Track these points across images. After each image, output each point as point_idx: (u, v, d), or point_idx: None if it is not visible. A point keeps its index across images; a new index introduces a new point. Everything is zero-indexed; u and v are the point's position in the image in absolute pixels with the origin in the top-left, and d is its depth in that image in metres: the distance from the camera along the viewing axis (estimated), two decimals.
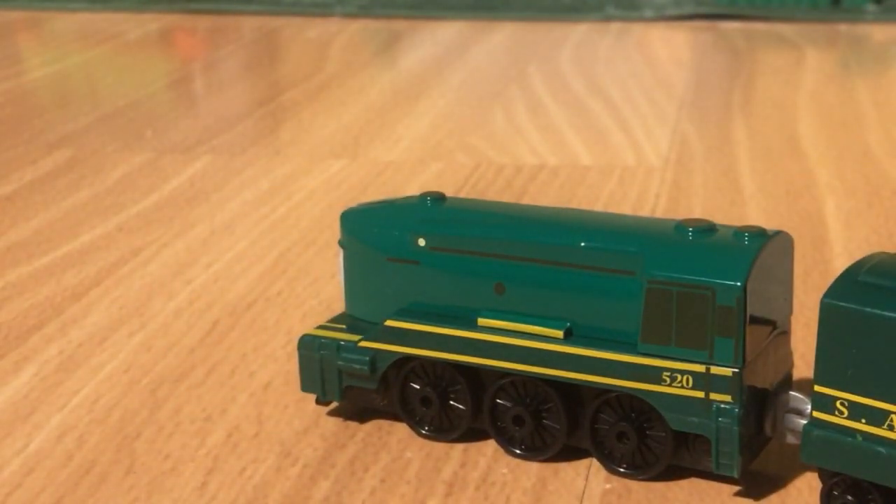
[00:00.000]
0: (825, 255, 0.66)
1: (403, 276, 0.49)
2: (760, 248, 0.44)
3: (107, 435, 0.50)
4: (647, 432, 0.45)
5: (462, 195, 0.74)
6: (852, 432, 0.41)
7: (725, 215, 0.71)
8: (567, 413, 0.46)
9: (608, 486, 0.46)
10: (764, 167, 0.81)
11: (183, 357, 0.56)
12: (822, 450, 0.42)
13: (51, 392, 0.54)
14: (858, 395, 0.41)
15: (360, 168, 0.83)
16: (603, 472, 0.46)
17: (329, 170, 0.83)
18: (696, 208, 0.73)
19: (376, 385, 0.49)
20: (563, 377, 0.46)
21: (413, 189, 0.76)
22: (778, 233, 0.46)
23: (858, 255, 0.65)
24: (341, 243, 0.51)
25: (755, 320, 0.44)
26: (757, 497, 0.45)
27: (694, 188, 0.77)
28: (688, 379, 0.44)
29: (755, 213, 0.72)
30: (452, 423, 0.49)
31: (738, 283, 0.42)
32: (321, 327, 0.51)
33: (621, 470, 0.46)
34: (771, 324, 0.46)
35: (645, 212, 0.73)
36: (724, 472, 0.44)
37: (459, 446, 0.48)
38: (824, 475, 0.43)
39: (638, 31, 1.26)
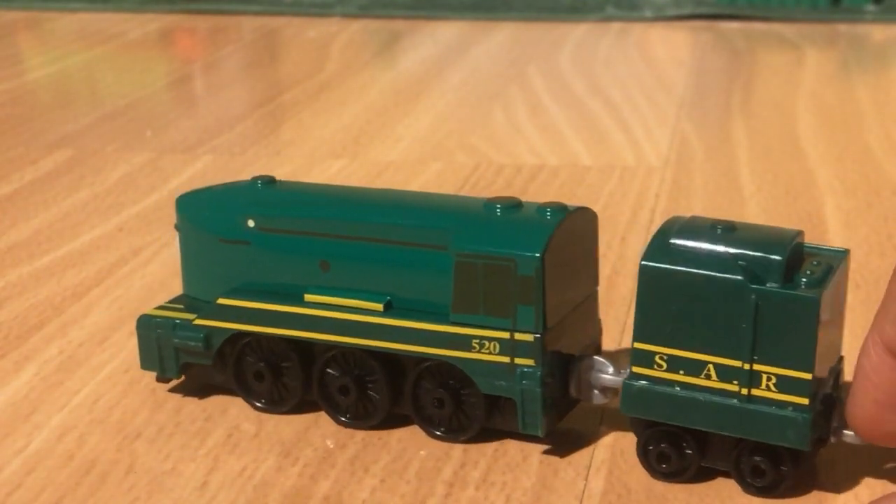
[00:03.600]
0: None
1: (235, 256, 0.51)
2: (559, 222, 0.46)
3: (107, 435, 0.50)
4: (462, 397, 0.48)
5: (462, 195, 0.74)
6: (671, 383, 0.44)
7: (725, 215, 0.70)
8: (389, 382, 0.49)
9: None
10: (764, 167, 0.81)
11: None
12: (643, 401, 0.45)
13: (51, 392, 0.54)
14: (677, 348, 0.44)
15: (360, 168, 0.83)
16: (603, 472, 0.46)
17: (329, 170, 0.83)
18: (696, 208, 0.73)
19: (212, 361, 0.51)
20: (383, 347, 0.48)
21: (413, 189, 0.76)
22: (580, 208, 0.48)
23: (858, 255, 0.66)
24: (177, 227, 0.53)
25: (556, 289, 0.46)
26: (757, 498, 0.45)
27: (694, 188, 0.77)
28: (495, 345, 0.47)
29: (755, 213, 0.72)
30: (284, 396, 0.51)
31: (537, 255, 0.45)
32: (160, 307, 0.53)
33: (439, 433, 0.48)
34: (574, 293, 0.48)
35: (644, 211, 0.73)
36: (529, 432, 0.47)
37: (459, 446, 0.48)
38: (639, 429, 0.46)
39: (638, 31, 1.26)
